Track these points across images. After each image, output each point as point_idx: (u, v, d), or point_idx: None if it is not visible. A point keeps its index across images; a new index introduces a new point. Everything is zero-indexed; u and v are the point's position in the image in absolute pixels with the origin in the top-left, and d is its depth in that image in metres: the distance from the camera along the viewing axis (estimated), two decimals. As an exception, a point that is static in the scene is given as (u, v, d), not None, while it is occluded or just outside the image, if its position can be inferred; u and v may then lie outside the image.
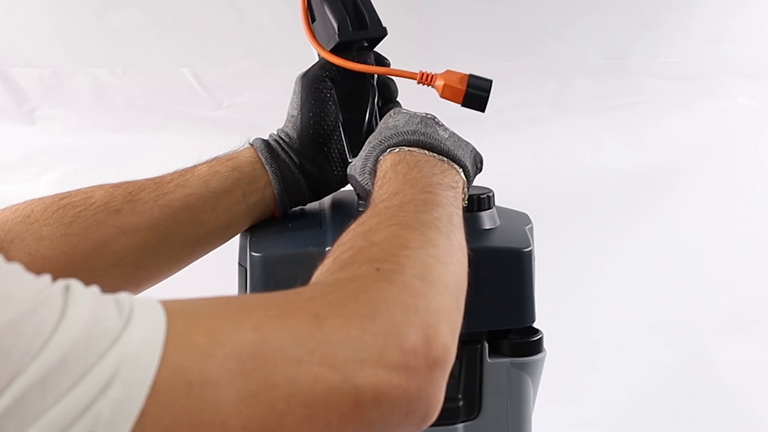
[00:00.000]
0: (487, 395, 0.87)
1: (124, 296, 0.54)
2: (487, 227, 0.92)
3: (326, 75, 0.97)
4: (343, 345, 0.56)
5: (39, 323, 0.49)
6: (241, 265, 0.93)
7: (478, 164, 0.91)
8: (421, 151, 0.84)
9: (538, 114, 2.30)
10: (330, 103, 0.96)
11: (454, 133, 0.89)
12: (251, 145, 0.97)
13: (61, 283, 0.53)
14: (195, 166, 0.96)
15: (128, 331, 0.51)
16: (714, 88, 2.32)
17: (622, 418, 2.13)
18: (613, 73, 2.32)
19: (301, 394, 0.54)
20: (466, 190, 0.86)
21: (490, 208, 0.94)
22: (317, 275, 0.66)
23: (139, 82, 2.29)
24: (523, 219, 0.99)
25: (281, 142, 0.97)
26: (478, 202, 0.92)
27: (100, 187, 0.93)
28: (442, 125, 0.89)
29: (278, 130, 0.99)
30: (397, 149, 0.85)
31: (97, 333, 0.50)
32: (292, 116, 0.98)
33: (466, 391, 0.87)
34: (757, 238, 2.28)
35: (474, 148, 0.91)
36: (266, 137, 0.98)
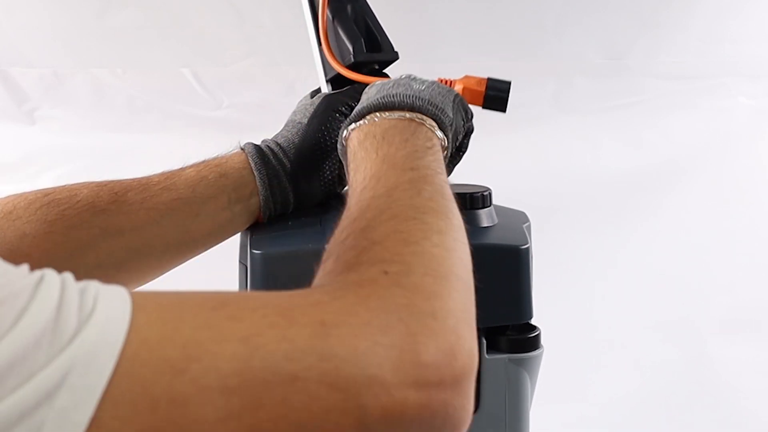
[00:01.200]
0: (485, 392, 0.87)
1: (92, 288, 0.50)
2: (485, 225, 0.93)
3: (346, 107, 0.95)
4: (348, 360, 0.51)
5: None
6: (242, 263, 0.93)
7: (464, 112, 0.88)
8: (385, 114, 0.80)
9: (538, 114, 2.30)
10: (340, 127, 0.96)
11: (433, 83, 0.85)
12: (242, 149, 0.95)
13: (38, 274, 0.49)
14: (183, 169, 0.94)
15: (85, 331, 0.47)
16: (714, 88, 2.33)
17: (621, 416, 2.13)
18: (613, 73, 2.32)
19: (293, 416, 0.50)
20: (446, 140, 0.81)
21: (487, 206, 0.94)
22: (320, 277, 0.62)
23: (139, 82, 2.29)
24: (520, 217, 0.99)
25: (275, 148, 0.95)
26: (475, 200, 0.92)
27: (86, 185, 0.91)
28: (419, 79, 0.85)
29: (275, 135, 0.98)
30: (361, 122, 0.81)
31: (55, 333, 0.46)
32: (299, 123, 0.96)
33: (464, 387, 0.87)
34: (757, 238, 2.28)
35: (458, 95, 0.87)
36: (258, 143, 0.97)
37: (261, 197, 0.93)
